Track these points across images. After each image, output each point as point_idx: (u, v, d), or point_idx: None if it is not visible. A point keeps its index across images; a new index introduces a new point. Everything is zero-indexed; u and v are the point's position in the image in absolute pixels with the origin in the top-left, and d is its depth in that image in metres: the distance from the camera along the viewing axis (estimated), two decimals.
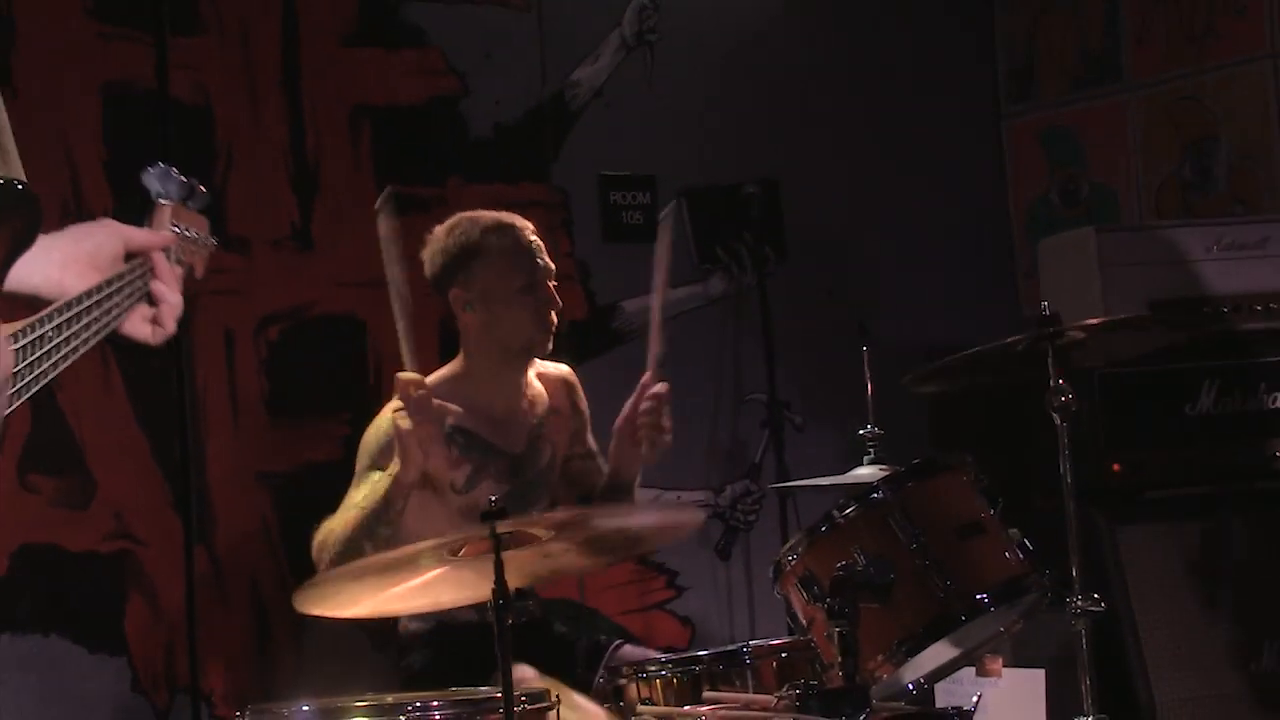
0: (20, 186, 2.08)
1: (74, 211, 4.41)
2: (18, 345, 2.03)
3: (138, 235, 2.35)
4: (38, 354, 2.07)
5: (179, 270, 2.42)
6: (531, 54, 5.16)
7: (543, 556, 2.96)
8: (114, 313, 2.26)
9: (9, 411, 2.04)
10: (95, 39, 4.51)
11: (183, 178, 2.46)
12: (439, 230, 3.92)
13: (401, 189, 4.82)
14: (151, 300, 2.34)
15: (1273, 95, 5.39)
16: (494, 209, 3.88)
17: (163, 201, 2.43)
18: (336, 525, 3.63)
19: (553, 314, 3.85)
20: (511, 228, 3.88)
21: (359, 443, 3.84)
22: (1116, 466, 4.63)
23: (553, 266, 3.90)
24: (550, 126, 5.22)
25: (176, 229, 2.42)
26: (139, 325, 2.34)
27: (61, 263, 2.24)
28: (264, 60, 4.75)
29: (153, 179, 2.44)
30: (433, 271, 3.89)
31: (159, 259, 2.35)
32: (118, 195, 4.45)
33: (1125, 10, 5.71)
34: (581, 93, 5.27)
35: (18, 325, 2.07)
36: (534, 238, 3.90)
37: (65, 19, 4.46)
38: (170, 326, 2.36)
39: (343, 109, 4.85)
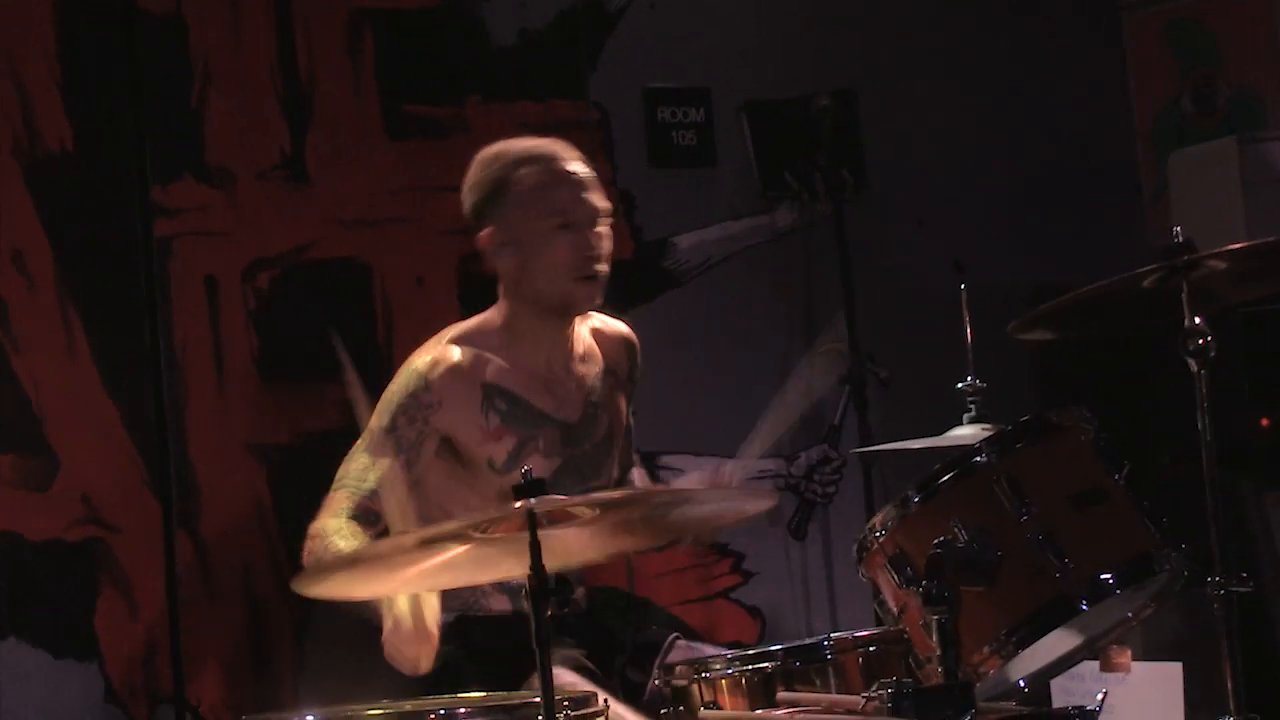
0: None
1: (26, 146, 4.42)
2: None
3: None
4: None
5: None
6: None
7: (589, 537, 2.96)
8: None
9: None
10: None
11: None
12: (475, 161, 3.90)
13: (413, 109, 4.88)
14: None
15: None
16: (522, 132, 3.86)
17: None
18: (334, 543, 3.61)
19: (596, 265, 3.77)
20: (547, 157, 3.82)
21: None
22: (1265, 422, 4.62)
23: (606, 206, 3.81)
24: (586, 32, 5.19)
25: None
26: None
27: None
28: None
29: None
30: (468, 209, 3.88)
31: None
32: (76, 124, 4.46)
33: None
34: None
35: None
36: (580, 170, 3.81)
37: None
38: None
39: (340, 16, 4.83)
